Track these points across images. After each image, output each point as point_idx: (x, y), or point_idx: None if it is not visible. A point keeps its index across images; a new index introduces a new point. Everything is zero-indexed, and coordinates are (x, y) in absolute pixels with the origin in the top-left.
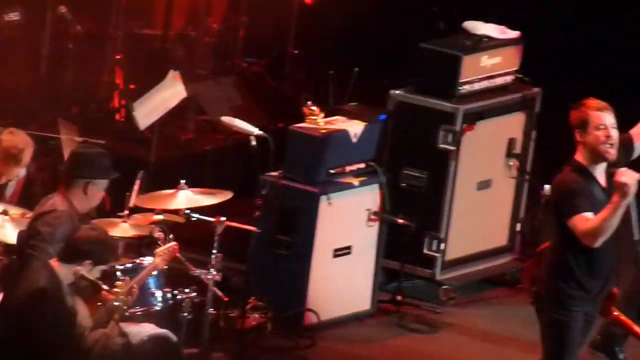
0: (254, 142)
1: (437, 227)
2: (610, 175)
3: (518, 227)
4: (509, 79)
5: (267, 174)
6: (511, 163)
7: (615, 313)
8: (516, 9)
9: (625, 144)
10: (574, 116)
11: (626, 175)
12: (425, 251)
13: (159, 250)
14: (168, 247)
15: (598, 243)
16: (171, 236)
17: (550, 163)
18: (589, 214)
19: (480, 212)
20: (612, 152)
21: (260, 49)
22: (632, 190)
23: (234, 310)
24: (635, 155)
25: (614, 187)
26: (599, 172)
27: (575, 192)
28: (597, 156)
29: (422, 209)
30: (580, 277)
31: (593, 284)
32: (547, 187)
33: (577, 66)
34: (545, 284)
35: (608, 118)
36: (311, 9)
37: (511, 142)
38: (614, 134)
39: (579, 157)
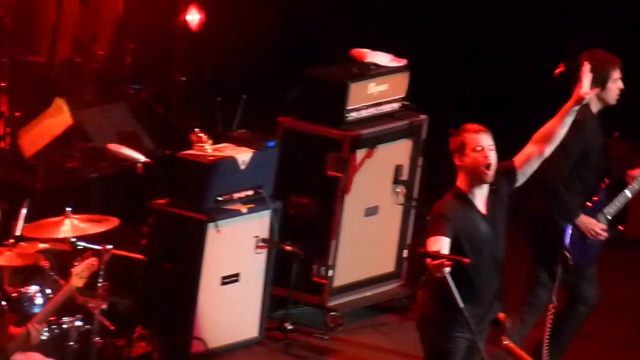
0: (140, 170)
1: (325, 254)
2: (492, 202)
3: (405, 253)
4: (396, 106)
5: (155, 201)
6: (398, 190)
7: (505, 342)
8: (403, 37)
9: (508, 170)
10: (452, 141)
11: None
12: (314, 278)
13: (75, 269)
14: (86, 263)
15: None
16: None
17: (436, 190)
18: (443, 239)
19: (368, 238)
20: (490, 174)
21: (147, 76)
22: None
23: (121, 339)
24: (519, 182)
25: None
26: (479, 198)
27: (443, 217)
28: (476, 179)
29: (311, 235)
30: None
31: (475, 310)
32: None
33: (463, 93)
34: (426, 309)
35: (485, 140)
36: (198, 35)
37: (398, 169)
38: (492, 155)
39: (460, 182)
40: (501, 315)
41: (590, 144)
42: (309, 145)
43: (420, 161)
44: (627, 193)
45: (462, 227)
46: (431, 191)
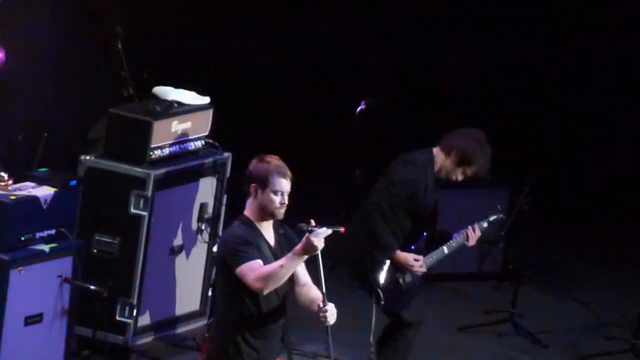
0: None
1: (129, 293)
2: (279, 238)
3: (210, 292)
4: (199, 143)
5: None
6: (203, 228)
7: None
8: (205, 75)
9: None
10: (256, 169)
11: (319, 239)
12: (118, 317)
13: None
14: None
15: (268, 289)
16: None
17: None
18: (258, 262)
19: (173, 277)
20: (282, 213)
21: None
22: (317, 251)
23: None
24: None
25: (306, 244)
26: (266, 227)
27: (244, 240)
28: (267, 215)
29: (115, 274)
30: (247, 338)
31: (259, 344)
32: None
33: (268, 131)
34: (214, 345)
35: (287, 186)
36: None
37: (202, 207)
38: (287, 199)
39: (248, 212)
40: None
41: (418, 195)
42: (113, 183)
43: (224, 199)
44: (445, 249)
45: (257, 252)
46: None
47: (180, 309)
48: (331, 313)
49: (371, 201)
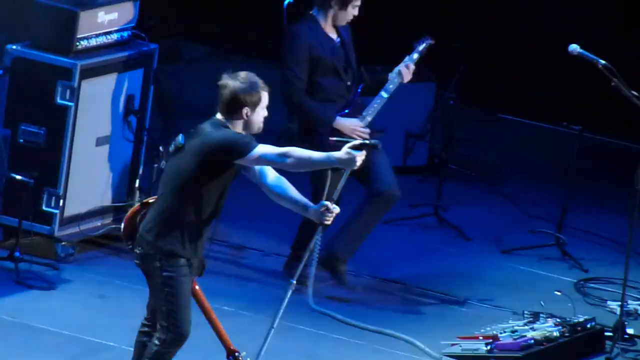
0: None
1: (55, 184)
2: None
3: (137, 183)
4: (126, 35)
5: None
6: (130, 119)
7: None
8: None
9: None
10: (252, 96)
11: (360, 157)
12: (44, 208)
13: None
14: None
15: (287, 166)
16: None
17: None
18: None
19: (100, 168)
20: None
21: None
22: (354, 166)
23: None
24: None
25: (346, 158)
26: None
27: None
28: (250, 132)
29: (40, 165)
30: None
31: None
32: None
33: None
34: (153, 233)
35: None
36: None
37: (129, 98)
38: None
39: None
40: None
41: (317, 51)
42: (39, 73)
43: (151, 90)
44: (383, 94)
45: None
46: (161, 121)
47: (107, 200)
48: (334, 215)
49: (286, 88)
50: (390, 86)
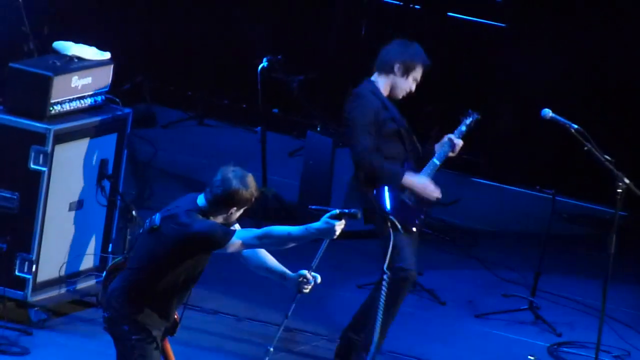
0: None
1: (28, 249)
2: None
3: (110, 247)
4: (100, 99)
5: None
6: (103, 184)
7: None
8: (106, 31)
9: None
10: (242, 196)
11: (339, 226)
12: (17, 273)
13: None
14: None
15: (263, 247)
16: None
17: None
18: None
19: (73, 233)
20: None
21: None
22: (334, 236)
23: None
24: None
25: (324, 229)
26: None
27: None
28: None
29: (13, 230)
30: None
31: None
32: None
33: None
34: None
35: None
36: None
37: (103, 163)
38: None
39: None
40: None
41: (381, 116)
42: (13, 138)
43: (125, 155)
44: (435, 161)
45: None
46: (135, 185)
47: (80, 265)
48: (311, 286)
49: (354, 151)
50: (442, 154)
